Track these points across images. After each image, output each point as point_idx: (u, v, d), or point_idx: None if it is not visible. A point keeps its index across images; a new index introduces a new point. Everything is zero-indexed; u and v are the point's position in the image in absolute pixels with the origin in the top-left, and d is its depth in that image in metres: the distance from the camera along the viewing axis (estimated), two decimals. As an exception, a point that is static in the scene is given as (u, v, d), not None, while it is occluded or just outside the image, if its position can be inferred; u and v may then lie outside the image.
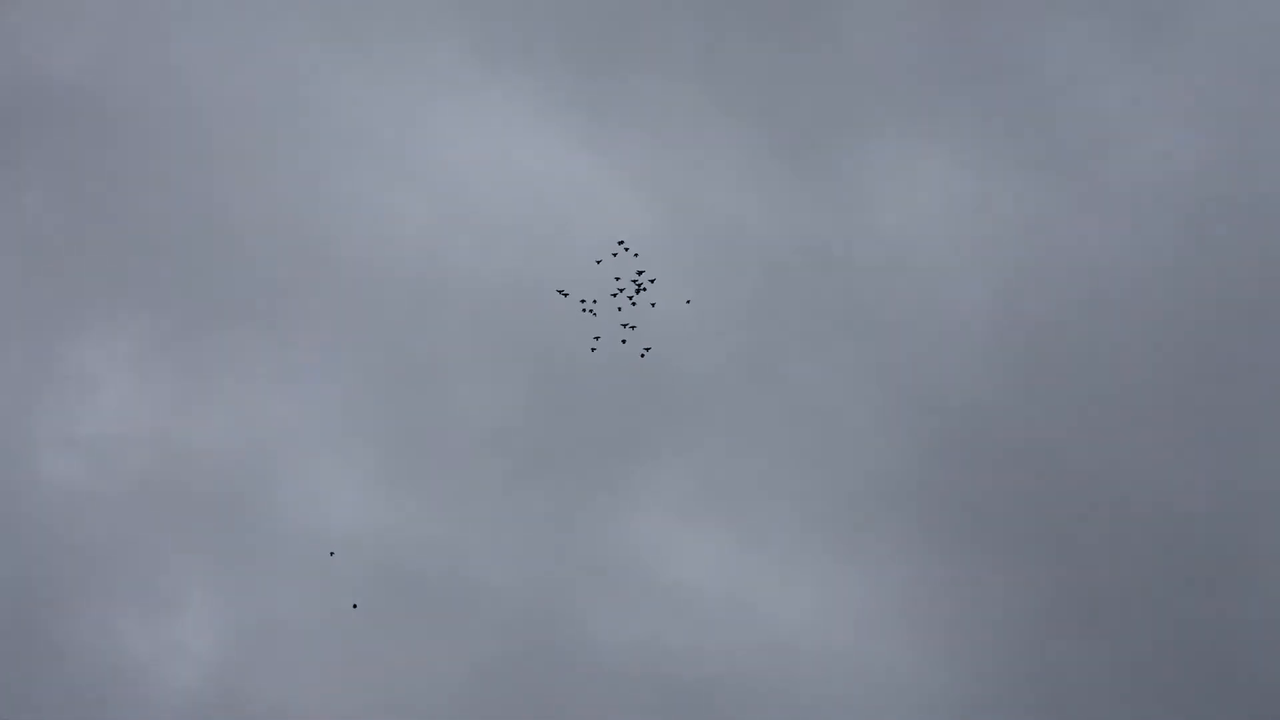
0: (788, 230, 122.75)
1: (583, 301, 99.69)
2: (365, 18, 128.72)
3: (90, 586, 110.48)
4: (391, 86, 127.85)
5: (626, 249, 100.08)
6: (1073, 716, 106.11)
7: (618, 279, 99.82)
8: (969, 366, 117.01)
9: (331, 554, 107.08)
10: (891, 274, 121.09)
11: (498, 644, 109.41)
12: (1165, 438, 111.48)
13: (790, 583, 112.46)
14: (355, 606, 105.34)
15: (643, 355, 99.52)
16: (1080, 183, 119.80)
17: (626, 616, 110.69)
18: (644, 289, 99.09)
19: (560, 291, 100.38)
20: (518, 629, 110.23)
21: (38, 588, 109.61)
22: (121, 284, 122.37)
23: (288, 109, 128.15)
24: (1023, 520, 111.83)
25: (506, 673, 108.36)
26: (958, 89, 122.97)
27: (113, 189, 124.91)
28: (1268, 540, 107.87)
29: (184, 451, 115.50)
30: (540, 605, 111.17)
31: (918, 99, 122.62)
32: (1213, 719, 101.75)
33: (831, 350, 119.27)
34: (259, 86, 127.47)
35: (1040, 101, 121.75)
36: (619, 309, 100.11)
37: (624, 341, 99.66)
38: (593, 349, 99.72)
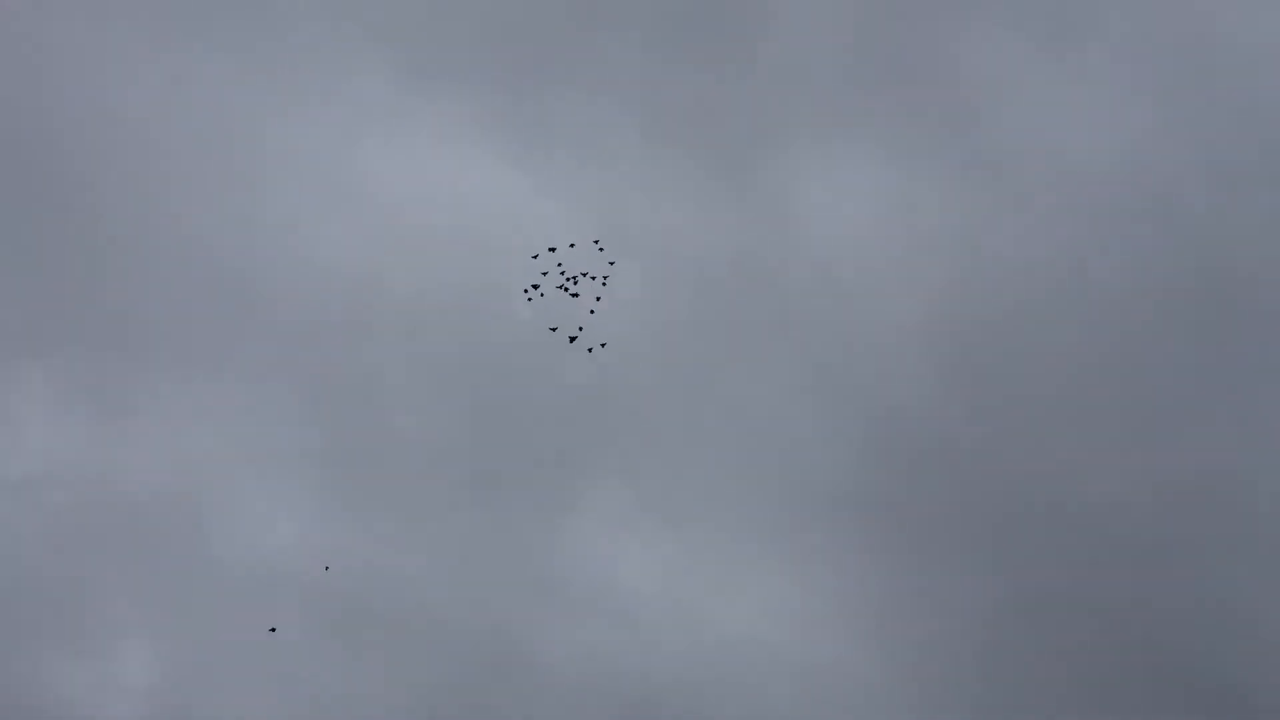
0: (719, 244, 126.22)
1: (537, 288, 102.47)
2: (289, 46, 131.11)
3: (16, 627, 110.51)
4: (318, 113, 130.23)
5: (601, 248, 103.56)
6: (1018, 710, 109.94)
7: (563, 273, 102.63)
8: (902, 372, 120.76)
9: (327, 568, 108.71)
10: (821, 283, 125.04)
11: (446, 665, 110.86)
12: (1095, 434, 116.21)
13: (734, 590, 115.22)
14: (273, 630, 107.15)
15: (590, 350, 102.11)
16: (1005, 185, 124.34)
17: (574, 630, 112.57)
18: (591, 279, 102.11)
19: (532, 286, 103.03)
20: (465, 649, 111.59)
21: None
22: (39, 320, 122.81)
23: (212, 140, 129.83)
24: (959, 521, 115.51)
25: (456, 694, 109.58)
26: (880, 94, 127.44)
27: (28, 223, 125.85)
28: (1199, 527, 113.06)
29: (110, 488, 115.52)
30: (487, 623, 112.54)
31: (840, 105, 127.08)
32: (1155, 703, 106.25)
33: (766, 361, 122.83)
34: (183, 118, 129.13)
35: (963, 105, 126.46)
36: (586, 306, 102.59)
37: (573, 340, 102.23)
38: (572, 338, 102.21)
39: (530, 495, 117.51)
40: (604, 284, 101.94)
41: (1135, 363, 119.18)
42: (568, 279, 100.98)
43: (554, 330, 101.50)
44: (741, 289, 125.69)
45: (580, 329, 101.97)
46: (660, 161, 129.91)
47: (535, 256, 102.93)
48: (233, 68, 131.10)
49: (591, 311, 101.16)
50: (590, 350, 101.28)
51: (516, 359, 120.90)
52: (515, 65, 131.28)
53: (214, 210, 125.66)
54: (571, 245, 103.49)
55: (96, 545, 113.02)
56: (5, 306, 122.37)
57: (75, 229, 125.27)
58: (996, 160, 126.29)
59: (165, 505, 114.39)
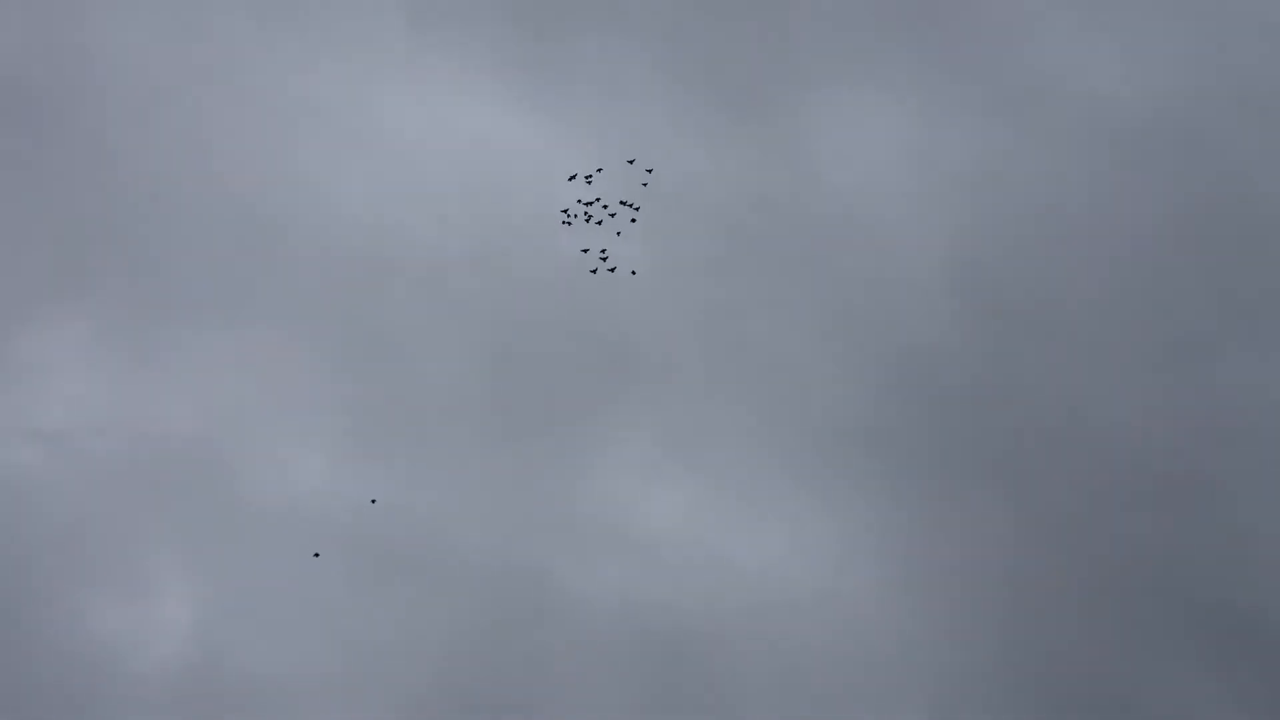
0: (741, 187, 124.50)
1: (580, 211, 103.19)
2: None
3: (60, 573, 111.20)
4: (332, 58, 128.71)
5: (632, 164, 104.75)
6: (1044, 643, 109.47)
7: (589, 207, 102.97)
8: (924, 310, 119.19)
9: (373, 501, 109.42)
10: (844, 225, 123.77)
11: (473, 607, 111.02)
12: (1116, 367, 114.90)
13: (759, 528, 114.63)
14: (317, 555, 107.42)
15: (614, 269, 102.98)
16: (1028, 122, 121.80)
17: (600, 572, 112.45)
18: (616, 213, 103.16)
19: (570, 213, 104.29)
20: (492, 592, 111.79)
21: (6, 578, 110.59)
22: (70, 273, 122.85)
23: (227, 89, 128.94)
24: (981, 455, 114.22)
25: (483, 634, 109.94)
26: (902, 33, 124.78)
27: (56, 178, 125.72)
28: (1219, 459, 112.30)
29: (144, 435, 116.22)
30: (513, 566, 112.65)
31: (862, 45, 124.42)
32: (1174, 632, 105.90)
33: (789, 303, 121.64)
34: (197, 68, 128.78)
35: (985, 42, 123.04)
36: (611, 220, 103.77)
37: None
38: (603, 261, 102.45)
39: (555, 438, 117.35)
40: (635, 215, 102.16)
41: (1158, 296, 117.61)
42: (602, 206, 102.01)
43: (585, 252, 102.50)
44: (764, 231, 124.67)
45: (604, 254, 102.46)
46: (682, 104, 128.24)
47: (571, 178, 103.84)
48: (252, 17, 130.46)
49: (618, 233, 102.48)
50: (614, 269, 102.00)
51: (539, 304, 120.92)
52: (534, 7, 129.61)
53: (240, 161, 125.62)
54: (599, 170, 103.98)
55: (132, 490, 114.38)
56: (36, 261, 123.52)
57: (103, 179, 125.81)
58: (1019, 98, 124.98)
59: (198, 450, 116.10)
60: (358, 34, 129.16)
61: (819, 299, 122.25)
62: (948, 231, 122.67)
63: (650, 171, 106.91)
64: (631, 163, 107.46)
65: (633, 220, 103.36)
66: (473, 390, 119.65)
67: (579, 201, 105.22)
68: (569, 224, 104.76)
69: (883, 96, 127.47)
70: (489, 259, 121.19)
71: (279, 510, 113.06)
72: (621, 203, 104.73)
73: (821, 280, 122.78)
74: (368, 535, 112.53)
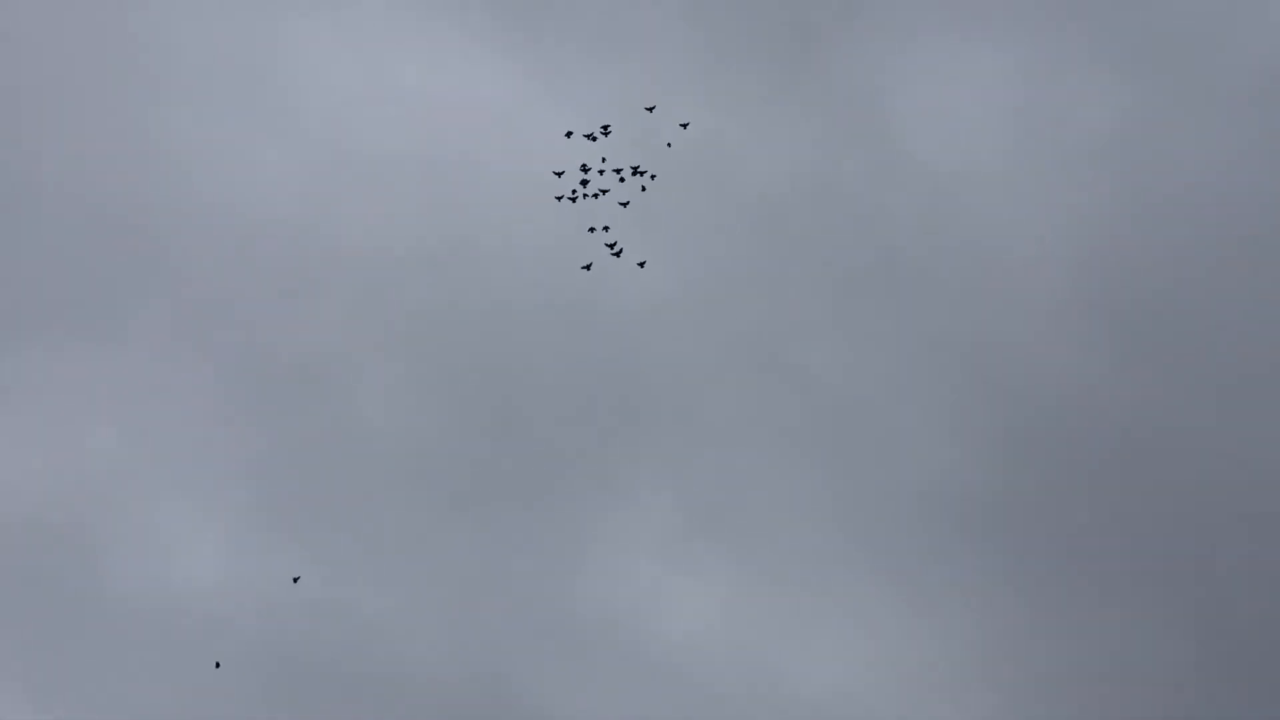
0: (785, 165, 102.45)
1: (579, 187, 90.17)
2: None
3: None
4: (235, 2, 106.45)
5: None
6: None
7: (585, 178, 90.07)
8: (1043, 337, 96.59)
9: (296, 580, 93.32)
10: (928, 216, 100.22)
11: None
12: None
13: (819, 639, 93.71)
14: (218, 666, 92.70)
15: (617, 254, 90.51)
16: (1179, 83, 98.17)
17: (601, 695, 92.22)
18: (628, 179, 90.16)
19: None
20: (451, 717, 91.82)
21: None
22: None
23: (108, 36, 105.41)
24: (1136, 535, 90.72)
25: None
26: None
27: None
28: None
29: None
30: (482, 686, 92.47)
31: None
32: None
33: (861, 322, 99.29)
34: (71, 13, 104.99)
35: None
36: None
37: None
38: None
39: (540, 512, 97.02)
40: (648, 181, 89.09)
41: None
42: (614, 171, 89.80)
43: (592, 231, 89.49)
44: (816, 223, 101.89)
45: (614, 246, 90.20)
46: (701, 58, 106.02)
47: (569, 135, 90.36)
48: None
49: (625, 203, 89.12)
50: (619, 252, 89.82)
51: (518, 321, 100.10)
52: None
53: (112, 127, 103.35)
54: (606, 129, 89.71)
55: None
56: None
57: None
58: (1168, 51, 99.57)
59: (47, 524, 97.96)
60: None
61: (896, 319, 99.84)
62: (1072, 228, 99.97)
63: (686, 127, 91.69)
64: (652, 110, 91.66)
65: (643, 189, 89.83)
66: (428, 442, 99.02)
67: (582, 168, 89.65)
68: (573, 199, 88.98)
69: (979, 46, 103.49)
70: (449, 258, 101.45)
71: (158, 606, 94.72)
72: (634, 170, 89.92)
73: (899, 294, 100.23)
74: (281, 641, 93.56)
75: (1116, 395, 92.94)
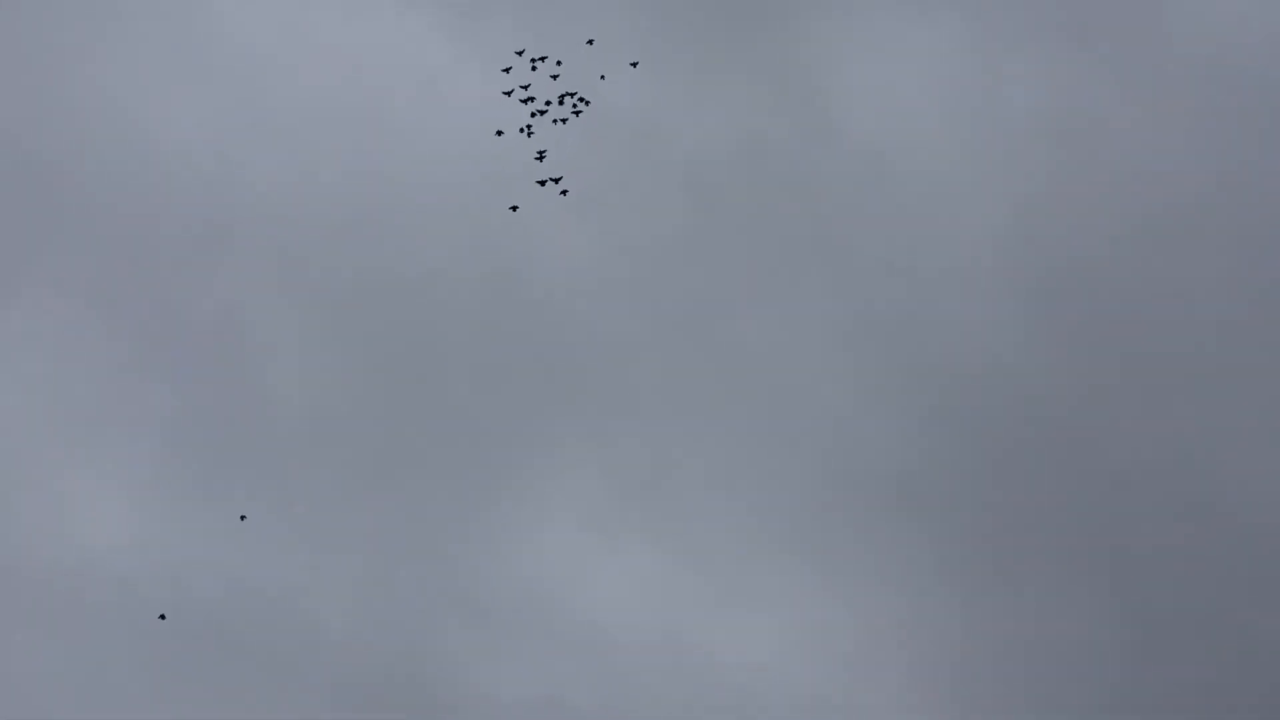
0: (721, 133, 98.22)
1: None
2: None
3: None
4: None
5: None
6: None
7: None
8: (979, 314, 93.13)
9: (162, 617, 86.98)
10: (869, 190, 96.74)
11: (337, 714, 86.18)
12: (1255, 407, 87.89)
13: (745, 616, 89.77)
14: (163, 617, 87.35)
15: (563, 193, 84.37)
16: (1115, 63, 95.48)
17: (521, 671, 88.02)
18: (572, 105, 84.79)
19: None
20: (365, 699, 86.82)
21: None
22: None
23: None
24: (1067, 519, 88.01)
25: None
26: None
27: None
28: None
29: None
30: (398, 660, 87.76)
31: None
32: None
33: (791, 296, 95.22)
34: None
35: None
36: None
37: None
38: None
39: (462, 481, 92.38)
40: (581, 106, 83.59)
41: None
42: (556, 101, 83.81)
43: (544, 185, 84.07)
44: (755, 193, 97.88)
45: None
46: (636, 13, 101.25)
47: (507, 70, 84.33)
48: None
49: (560, 120, 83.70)
50: (565, 191, 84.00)
51: (442, 292, 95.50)
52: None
53: (3, 79, 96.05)
54: (541, 59, 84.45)
55: None
56: None
57: None
58: (1106, 26, 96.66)
59: None
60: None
61: (832, 292, 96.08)
62: (1015, 206, 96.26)
63: (635, 66, 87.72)
64: (591, 43, 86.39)
65: (576, 111, 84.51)
66: (344, 407, 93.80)
67: (521, 90, 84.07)
68: (525, 102, 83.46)
69: (917, 22, 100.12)
70: (371, 218, 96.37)
71: (62, 568, 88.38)
72: (569, 95, 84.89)
73: (835, 266, 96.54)
74: (189, 608, 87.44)
75: (1043, 375, 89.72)
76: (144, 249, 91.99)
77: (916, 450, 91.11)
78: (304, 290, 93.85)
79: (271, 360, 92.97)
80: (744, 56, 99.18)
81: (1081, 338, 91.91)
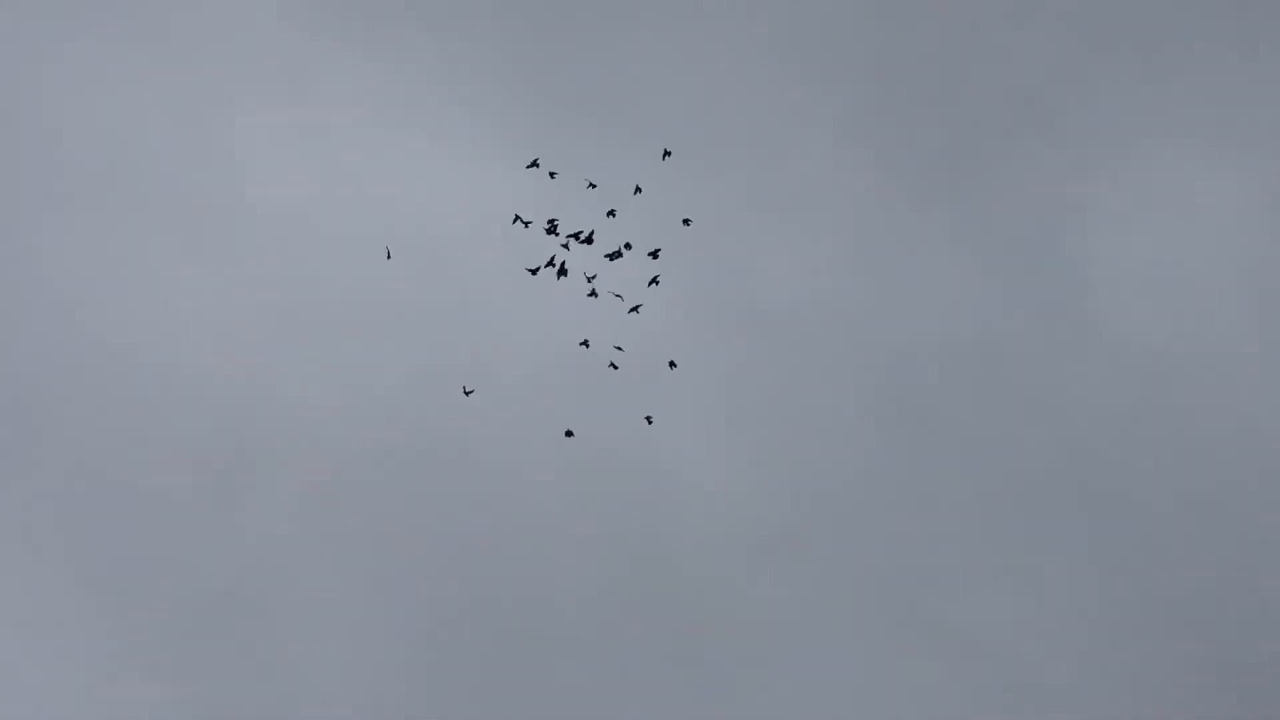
0: (937, 326, 71.68)
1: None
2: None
3: None
4: None
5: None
6: None
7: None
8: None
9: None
10: (1130, 407, 69.20)
11: None
12: None
13: None
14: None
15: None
16: None
17: None
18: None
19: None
20: None
21: None
22: None
23: (26, 126, 74.90)
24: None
25: None
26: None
27: None
28: None
29: None
30: None
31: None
32: None
33: (1027, 563, 67.02)
34: None
35: None
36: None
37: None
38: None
39: None
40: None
41: None
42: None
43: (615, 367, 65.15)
44: (970, 413, 71.37)
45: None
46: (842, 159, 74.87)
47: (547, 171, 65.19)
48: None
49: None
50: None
51: (543, 548, 69.59)
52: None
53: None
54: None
55: None
56: None
57: None
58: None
59: None
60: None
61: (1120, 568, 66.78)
62: None
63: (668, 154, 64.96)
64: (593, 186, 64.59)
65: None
66: (394, 698, 65.31)
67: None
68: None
69: (1216, 172, 73.11)
70: (435, 440, 71.76)
71: None
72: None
73: (1089, 512, 67.43)
74: None
75: None
76: (139, 487, 67.49)
77: None
78: (345, 534, 69.21)
79: (303, 629, 67.99)
80: (966, 222, 74.15)
81: None
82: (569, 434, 63.15)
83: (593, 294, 61.74)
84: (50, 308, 67.38)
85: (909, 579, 71.16)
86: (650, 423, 64.06)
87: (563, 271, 61.47)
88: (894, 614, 70.44)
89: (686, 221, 63.19)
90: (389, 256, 63.99)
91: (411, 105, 73.51)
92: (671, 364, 63.30)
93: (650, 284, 62.26)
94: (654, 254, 61.96)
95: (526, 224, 61.22)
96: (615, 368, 63.13)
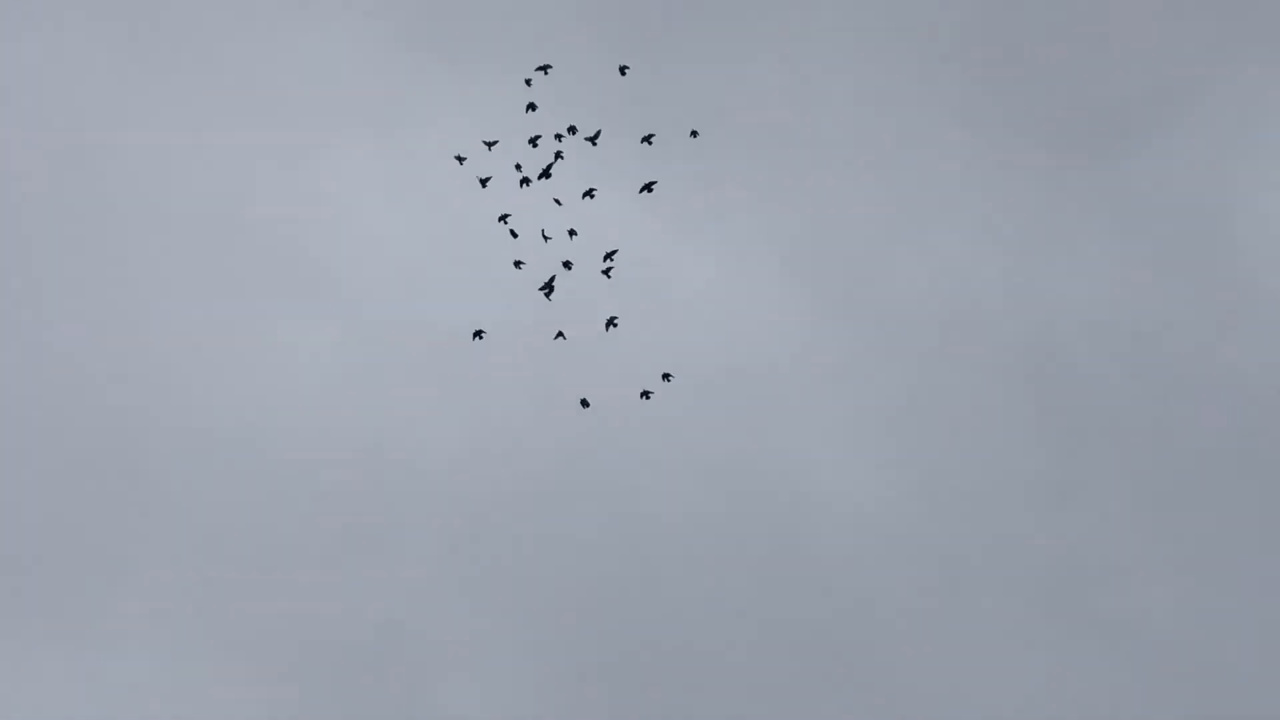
0: (1081, 311, 68.20)
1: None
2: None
3: None
4: None
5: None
6: None
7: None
8: None
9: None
10: None
11: None
12: None
13: None
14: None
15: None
16: None
17: None
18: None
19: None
20: None
21: None
22: None
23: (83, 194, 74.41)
24: None
25: None
26: None
27: None
28: None
29: None
30: None
31: None
32: None
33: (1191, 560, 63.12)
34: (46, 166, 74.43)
35: None
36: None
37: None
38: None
39: None
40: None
41: None
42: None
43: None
44: (1124, 402, 66.86)
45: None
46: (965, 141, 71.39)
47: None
48: None
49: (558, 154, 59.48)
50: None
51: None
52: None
53: (87, 328, 69.52)
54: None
55: None
56: None
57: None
58: None
59: None
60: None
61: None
62: None
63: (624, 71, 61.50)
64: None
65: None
66: None
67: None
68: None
69: None
70: (577, 483, 69.98)
71: None
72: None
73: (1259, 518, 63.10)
74: None
75: None
76: (260, 549, 66.06)
77: None
78: (491, 586, 67.32)
79: (456, 689, 66.21)
80: (1115, 193, 70.31)
81: None
82: (584, 403, 59.25)
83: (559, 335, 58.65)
84: (168, 384, 66.98)
85: (1077, 578, 67.87)
86: (668, 379, 59.30)
87: (550, 287, 58.71)
88: (1065, 615, 67.30)
89: (694, 133, 59.84)
90: (479, 337, 61.42)
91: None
92: (665, 376, 59.10)
93: (643, 190, 59.16)
94: (593, 139, 58.82)
95: (514, 233, 58.82)
96: (586, 405, 59.15)
